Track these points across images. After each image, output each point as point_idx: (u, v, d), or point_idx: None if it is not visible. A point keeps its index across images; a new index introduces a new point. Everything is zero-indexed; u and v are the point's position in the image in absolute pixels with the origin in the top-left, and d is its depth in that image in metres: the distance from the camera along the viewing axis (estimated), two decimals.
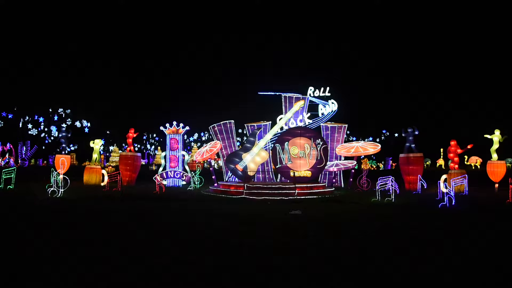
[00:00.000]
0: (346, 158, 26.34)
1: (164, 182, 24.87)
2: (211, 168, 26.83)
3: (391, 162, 58.20)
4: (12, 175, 21.91)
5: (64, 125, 35.77)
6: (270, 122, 25.47)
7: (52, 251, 7.62)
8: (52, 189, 17.74)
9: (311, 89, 24.60)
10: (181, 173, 26.48)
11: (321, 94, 24.45)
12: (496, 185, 23.32)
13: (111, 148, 67.73)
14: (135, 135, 28.45)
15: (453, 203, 14.73)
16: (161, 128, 27.77)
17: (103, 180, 23.85)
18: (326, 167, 23.89)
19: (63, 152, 28.47)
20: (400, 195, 18.32)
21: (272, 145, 23.45)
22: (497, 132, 24.43)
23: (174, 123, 27.33)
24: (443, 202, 14.69)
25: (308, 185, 19.94)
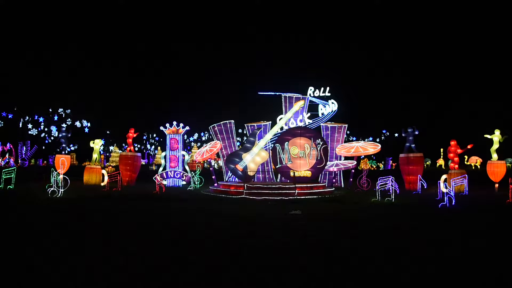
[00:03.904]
0: (346, 158, 26.35)
1: (164, 182, 24.88)
2: (211, 168, 26.84)
3: (391, 162, 58.20)
4: (12, 175, 21.92)
5: (64, 125, 35.74)
6: (270, 122, 25.49)
7: (51, 251, 7.61)
8: (52, 189, 17.74)
9: (311, 89, 24.61)
10: (181, 173, 26.48)
11: (321, 94, 24.46)
12: (496, 185, 23.33)
13: (111, 148, 67.72)
14: (135, 135, 28.46)
15: (453, 203, 14.74)
16: (161, 128, 27.78)
17: (103, 180, 23.85)
18: (326, 167, 23.89)
19: (63, 152, 28.48)
20: (400, 195, 18.32)
21: (272, 145, 23.46)
22: (497, 132, 24.44)
23: (174, 123, 27.34)
24: (443, 202, 14.70)
25: (308, 185, 19.94)
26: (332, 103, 24.85)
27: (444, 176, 17.73)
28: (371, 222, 11.61)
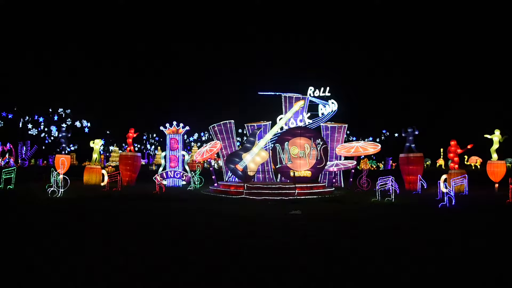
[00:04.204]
0: (346, 158, 26.35)
1: (164, 182, 24.88)
2: (211, 168, 26.84)
3: (391, 162, 58.20)
4: (12, 175, 21.91)
5: (64, 125, 35.74)
6: (270, 122, 25.49)
7: (51, 251, 7.61)
8: (52, 189, 17.74)
9: (311, 89, 24.61)
10: (181, 173, 26.48)
11: (321, 94, 24.46)
12: (496, 185, 23.33)
13: (111, 148, 67.70)
14: (135, 135, 28.46)
15: (453, 203, 14.74)
16: (161, 128, 27.78)
17: (103, 180, 23.85)
18: (326, 167, 23.89)
19: (63, 152, 28.48)
20: (400, 195, 18.32)
21: (272, 145, 23.46)
22: (497, 132, 24.44)
23: (174, 123, 27.34)
24: (443, 202, 14.70)
25: (308, 185, 19.94)
26: (332, 103, 24.86)
27: (444, 176, 17.72)
28: (371, 222, 11.61)
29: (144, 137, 76.80)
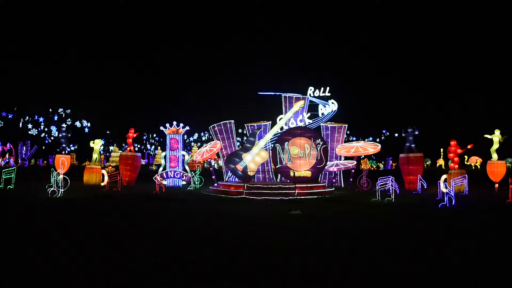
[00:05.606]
0: (346, 158, 26.35)
1: (164, 182, 24.87)
2: (211, 168, 26.84)
3: (391, 162, 58.22)
4: (12, 175, 21.91)
5: (64, 125, 35.76)
6: (270, 122, 25.50)
7: (51, 251, 7.61)
8: (52, 189, 17.74)
9: (311, 89, 24.62)
10: (181, 173, 26.47)
11: (321, 94, 24.47)
12: (496, 185, 23.33)
13: (111, 148, 67.71)
14: (135, 135, 28.46)
15: (453, 203, 14.73)
16: (161, 128, 27.78)
17: (103, 180, 23.85)
18: (326, 167, 23.89)
19: (63, 152, 28.48)
20: (400, 195, 18.32)
21: (272, 145, 23.45)
22: (497, 132, 24.45)
23: (174, 123, 27.34)
24: (443, 202, 14.69)
25: (308, 185, 19.94)
26: (332, 103, 24.86)
27: (444, 176, 17.72)
28: (371, 222, 11.61)
29: (144, 137, 76.86)
